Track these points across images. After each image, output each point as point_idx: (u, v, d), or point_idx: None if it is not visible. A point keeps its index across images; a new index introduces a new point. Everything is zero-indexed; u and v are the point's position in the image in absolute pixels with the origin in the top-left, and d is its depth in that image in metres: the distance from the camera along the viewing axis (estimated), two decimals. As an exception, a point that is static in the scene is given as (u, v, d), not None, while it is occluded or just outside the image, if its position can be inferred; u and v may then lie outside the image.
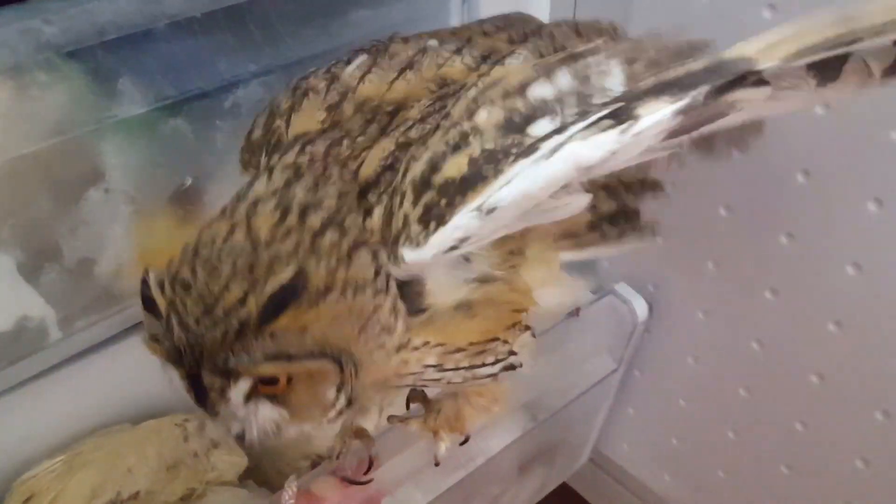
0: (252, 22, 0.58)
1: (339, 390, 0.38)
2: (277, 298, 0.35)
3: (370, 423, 0.54)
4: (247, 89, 0.59)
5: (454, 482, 0.69)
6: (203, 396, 0.36)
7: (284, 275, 0.35)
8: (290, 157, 0.41)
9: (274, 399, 0.37)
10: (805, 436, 0.69)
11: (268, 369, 0.36)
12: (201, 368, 0.35)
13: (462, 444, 0.54)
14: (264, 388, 0.36)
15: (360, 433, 0.53)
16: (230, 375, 0.35)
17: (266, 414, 0.38)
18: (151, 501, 0.65)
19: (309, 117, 0.44)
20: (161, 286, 0.36)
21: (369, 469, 0.53)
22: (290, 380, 0.37)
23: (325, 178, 0.40)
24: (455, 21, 0.72)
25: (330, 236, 0.37)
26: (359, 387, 0.39)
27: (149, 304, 0.37)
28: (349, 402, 0.39)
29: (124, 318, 0.61)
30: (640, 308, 0.77)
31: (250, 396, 0.37)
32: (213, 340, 0.35)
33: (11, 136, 0.50)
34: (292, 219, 0.37)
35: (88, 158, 0.54)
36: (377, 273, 0.38)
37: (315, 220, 0.37)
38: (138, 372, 0.65)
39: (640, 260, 0.76)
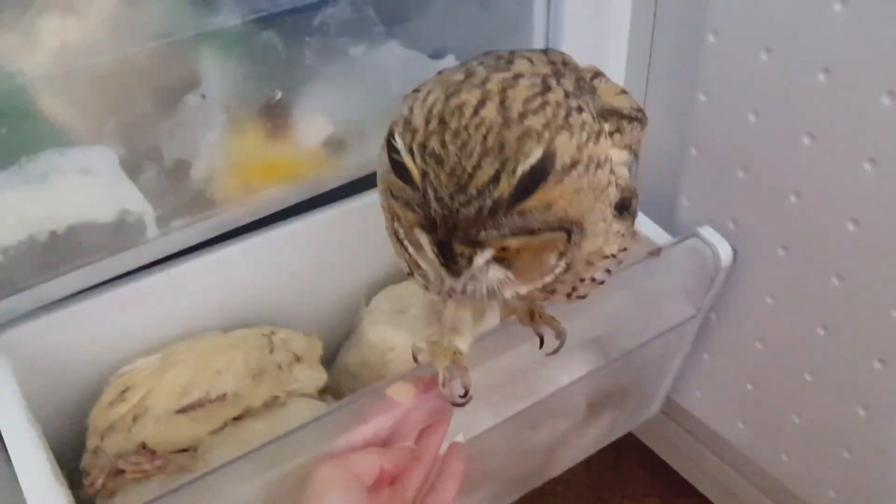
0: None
1: (561, 256, 0.42)
2: (528, 180, 0.37)
3: (465, 343, 0.56)
4: (336, 8, 0.61)
5: (522, 408, 0.71)
6: (451, 261, 0.39)
7: (534, 156, 0.37)
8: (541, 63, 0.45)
9: (503, 262, 0.40)
10: (884, 374, 0.67)
11: (513, 242, 0.39)
12: (453, 238, 0.38)
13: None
14: (497, 253, 0.40)
15: (458, 362, 0.55)
16: (478, 245, 0.39)
17: (495, 275, 0.41)
18: (237, 403, 0.69)
19: None
20: (410, 152, 0.38)
21: (466, 395, 0.55)
22: (519, 247, 0.40)
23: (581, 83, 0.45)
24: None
25: (584, 117, 0.40)
26: (578, 255, 0.43)
27: (399, 168, 0.39)
28: (567, 268, 0.43)
29: (218, 223, 0.64)
30: (725, 252, 0.74)
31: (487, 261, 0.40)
32: (467, 217, 0.38)
33: (117, 37, 0.53)
34: (554, 95, 0.39)
35: (187, 64, 0.57)
36: (607, 156, 0.42)
37: (573, 101, 0.40)
38: (231, 280, 0.70)
39: (722, 197, 0.75)
